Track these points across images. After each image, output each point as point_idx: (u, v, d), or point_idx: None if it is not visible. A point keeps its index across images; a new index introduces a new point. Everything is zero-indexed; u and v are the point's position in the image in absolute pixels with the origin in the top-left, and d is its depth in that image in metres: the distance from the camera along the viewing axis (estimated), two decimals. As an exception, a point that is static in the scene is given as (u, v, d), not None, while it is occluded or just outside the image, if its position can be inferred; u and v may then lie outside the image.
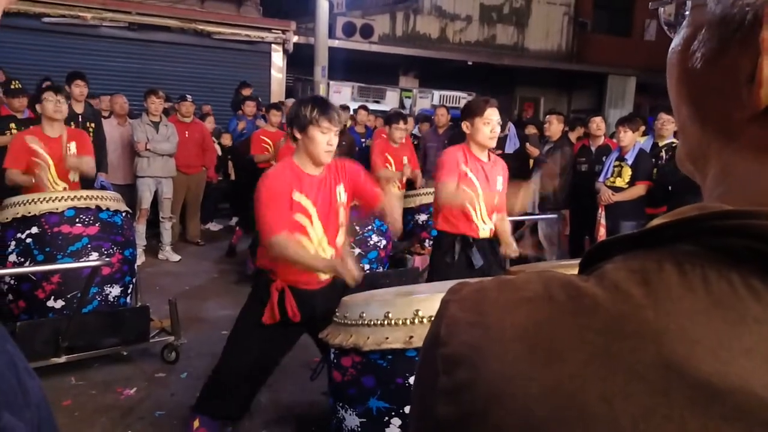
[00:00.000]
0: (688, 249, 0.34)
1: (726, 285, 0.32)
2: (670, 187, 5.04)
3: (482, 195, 3.16)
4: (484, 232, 3.20)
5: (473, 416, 0.35)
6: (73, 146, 4.26)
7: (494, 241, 3.32)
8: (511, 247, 3.25)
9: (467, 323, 0.38)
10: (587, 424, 0.31)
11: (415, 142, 7.18)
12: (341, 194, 2.63)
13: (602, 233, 5.27)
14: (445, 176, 3.13)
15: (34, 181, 4.00)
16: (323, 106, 2.55)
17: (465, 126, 3.15)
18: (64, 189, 4.18)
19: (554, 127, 6.15)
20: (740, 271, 0.33)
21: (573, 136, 6.89)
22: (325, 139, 2.50)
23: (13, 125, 5.26)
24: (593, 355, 0.33)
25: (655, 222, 0.37)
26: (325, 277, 2.64)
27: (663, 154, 5.38)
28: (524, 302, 0.37)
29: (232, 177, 8.11)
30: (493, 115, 3.09)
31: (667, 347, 0.31)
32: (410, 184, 6.76)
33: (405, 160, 6.17)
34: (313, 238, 2.55)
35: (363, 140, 8.08)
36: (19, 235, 3.56)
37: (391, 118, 6.27)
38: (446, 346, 0.38)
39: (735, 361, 0.30)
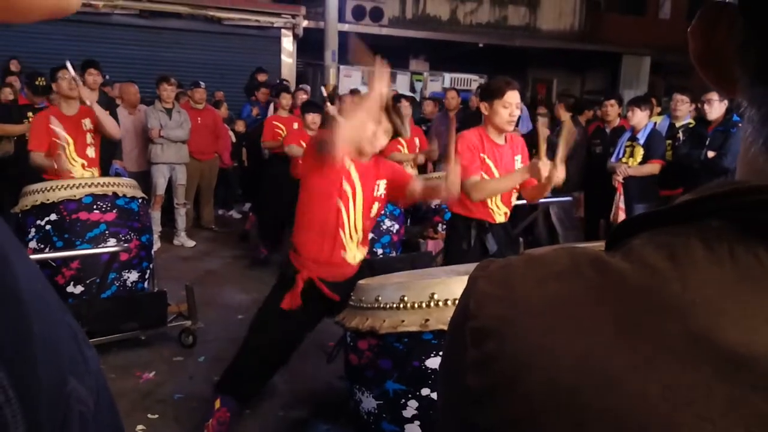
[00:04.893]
0: (715, 224, 0.35)
1: (753, 258, 0.33)
2: (686, 169, 4.99)
3: None
4: (500, 217, 3.16)
5: (501, 387, 0.36)
6: (88, 122, 4.32)
7: (508, 225, 3.29)
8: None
9: (496, 297, 0.39)
10: (615, 393, 0.32)
11: (424, 128, 7.12)
12: (380, 187, 2.70)
13: (621, 218, 5.22)
14: (468, 173, 2.95)
15: (55, 166, 4.06)
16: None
17: (483, 107, 3.04)
18: (82, 165, 4.26)
19: (561, 111, 6.26)
20: (767, 245, 0.33)
21: (582, 119, 6.85)
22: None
23: (30, 114, 5.34)
24: (621, 328, 0.33)
25: (682, 199, 0.37)
26: (351, 259, 2.69)
27: (680, 135, 5.31)
28: (552, 276, 0.38)
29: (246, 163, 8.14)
30: (513, 98, 2.95)
31: (693, 319, 0.32)
32: (421, 168, 6.75)
33: (416, 141, 6.16)
34: (347, 221, 2.62)
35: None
36: (38, 222, 3.62)
37: (394, 100, 6.27)
38: (475, 319, 0.39)
39: (760, 329, 0.31)
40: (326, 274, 2.64)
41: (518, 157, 3.17)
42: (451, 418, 0.41)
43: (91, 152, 4.34)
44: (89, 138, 4.31)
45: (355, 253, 2.69)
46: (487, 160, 3.06)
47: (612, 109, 6.04)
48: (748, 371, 0.30)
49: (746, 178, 0.38)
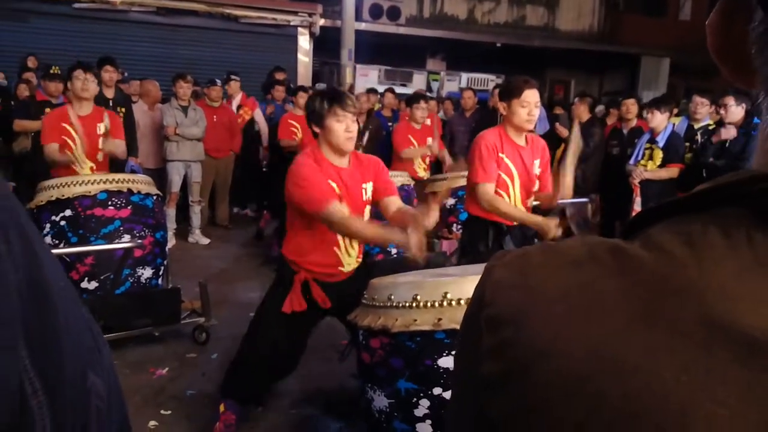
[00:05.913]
0: (733, 211, 0.35)
1: None
2: (704, 172, 4.92)
3: (518, 181, 3.05)
4: None
5: (515, 373, 0.36)
6: (102, 127, 4.31)
7: (526, 228, 3.25)
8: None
9: (511, 285, 0.39)
10: (629, 378, 0.32)
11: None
12: (367, 191, 2.65)
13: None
14: (484, 177, 2.96)
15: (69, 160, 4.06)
16: (334, 94, 2.56)
17: (502, 107, 3.01)
18: (91, 168, 4.21)
19: (580, 109, 6.13)
20: None
21: (610, 120, 6.77)
22: (342, 127, 2.49)
23: (47, 110, 5.36)
24: (637, 313, 0.33)
25: (699, 188, 0.37)
26: (348, 270, 2.67)
27: (698, 137, 5.24)
28: (568, 265, 0.38)
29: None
30: (531, 97, 2.92)
31: (709, 304, 0.32)
32: (437, 168, 6.71)
33: (429, 141, 6.11)
34: (341, 241, 2.60)
35: (390, 124, 8.03)
36: (53, 217, 3.64)
37: (411, 99, 6.23)
38: (490, 306, 0.39)
39: None
40: (322, 275, 2.64)
41: (537, 161, 3.13)
42: (465, 409, 0.41)
43: (101, 157, 4.31)
44: (101, 143, 4.27)
45: (352, 265, 2.69)
46: (506, 159, 3.04)
47: (633, 107, 5.98)
48: (763, 356, 0.30)
49: (764, 169, 0.38)
